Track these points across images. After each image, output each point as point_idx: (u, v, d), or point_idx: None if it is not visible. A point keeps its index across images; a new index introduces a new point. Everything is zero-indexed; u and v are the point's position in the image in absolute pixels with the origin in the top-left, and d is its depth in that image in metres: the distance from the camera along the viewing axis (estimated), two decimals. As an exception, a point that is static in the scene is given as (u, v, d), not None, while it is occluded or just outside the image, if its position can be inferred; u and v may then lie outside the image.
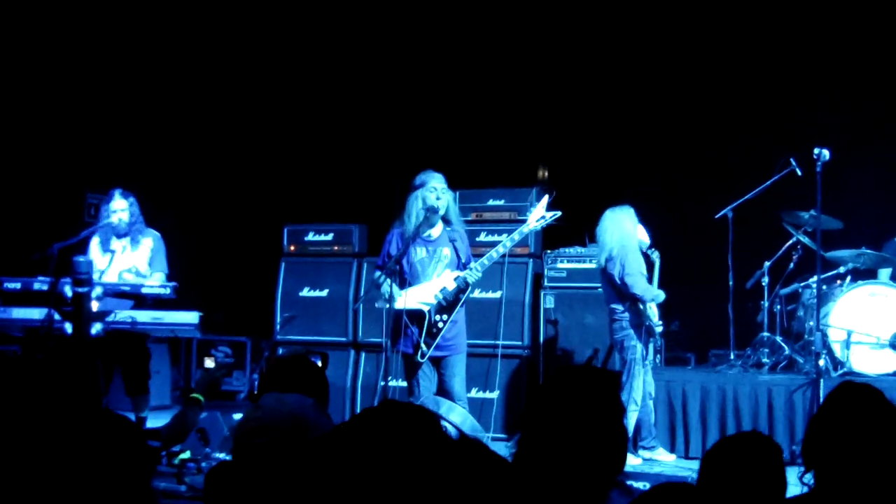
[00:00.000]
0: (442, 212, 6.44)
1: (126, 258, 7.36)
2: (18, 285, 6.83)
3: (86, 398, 3.63)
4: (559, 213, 6.65)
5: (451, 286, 6.38)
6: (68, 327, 6.43)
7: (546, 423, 2.45)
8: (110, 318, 6.70)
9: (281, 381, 3.22)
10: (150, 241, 7.42)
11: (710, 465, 2.49)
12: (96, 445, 2.74)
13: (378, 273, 6.48)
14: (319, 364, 5.20)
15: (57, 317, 6.56)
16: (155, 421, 6.57)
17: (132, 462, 2.78)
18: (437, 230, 6.53)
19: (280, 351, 8.87)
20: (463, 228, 6.72)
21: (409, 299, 6.38)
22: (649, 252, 7.30)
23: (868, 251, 7.77)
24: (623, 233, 7.06)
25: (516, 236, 6.62)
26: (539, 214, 6.64)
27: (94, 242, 7.40)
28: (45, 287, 6.74)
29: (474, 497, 1.83)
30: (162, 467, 5.79)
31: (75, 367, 3.56)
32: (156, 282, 7.09)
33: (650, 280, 7.19)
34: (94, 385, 3.62)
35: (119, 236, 7.38)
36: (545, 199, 6.69)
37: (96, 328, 6.57)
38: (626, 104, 10.06)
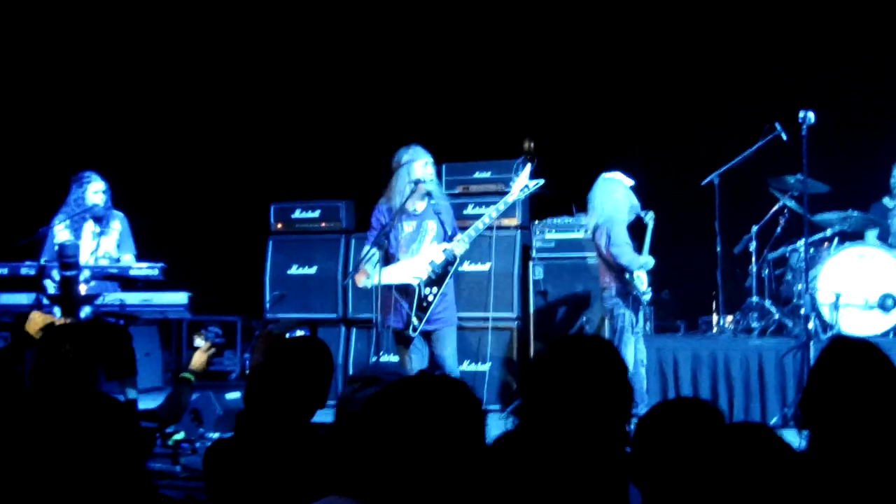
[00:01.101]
0: (430, 185, 6.44)
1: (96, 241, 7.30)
2: (6, 270, 6.82)
3: (79, 382, 3.62)
4: (542, 182, 6.66)
5: (440, 259, 6.39)
6: (57, 312, 6.42)
7: (554, 387, 2.46)
8: (99, 301, 6.69)
9: (287, 360, 3.20)
10: (118, 224, 7.38)
11: (643, 431, 2.45)
12: (90, 428, 2.73)
13: (367, 247, 6.49)
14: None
15: (45, 301, 6.55)
16: (147, 403, 6.56)
17: (127, 444, 2.78)
18: (421, 204, 6.54)
19: (269, 326, 8.86)
20: (447, 201, 6.73)
21: (397, 274, 6.39)
22: (642, 214, 7.25)
23: (855, 213, 7.77)
24: (611, 202, 7.04)
25: (501, 206, 6.64)
26: (522, 183, 6.65)
27: (62, 227, 7.29)
28: (32, 272, 6.72)
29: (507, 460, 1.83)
30: (157, 449, 5.79)
31: (68, 351, 3.55)
32: (128, 264, 7.06)
33: (640, 246, 7.17)
34: (87, 369, 3.60)
35: (95, 219, 7.32)
36: (528, 167, 6.73)
37: (85, 311, 6.56)
38: (609, 73, 10.02)
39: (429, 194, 6.51)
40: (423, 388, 2.03)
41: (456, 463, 1.91)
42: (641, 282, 7.04)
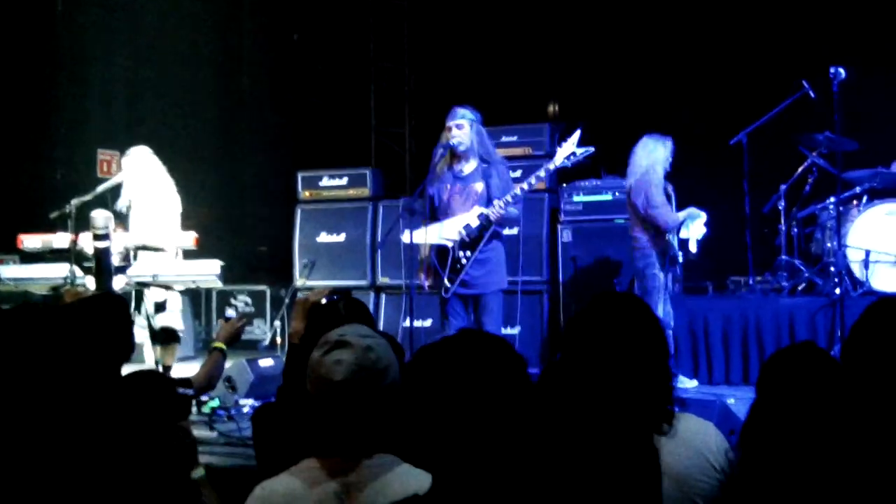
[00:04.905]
0: (463, 148, 6.36)
1: (136, 212, 7.31)
2: (39, 243, 6.88)
3: (116, 352, 3.66)
4: (592, 150, 6.37)
5: (475, 223, 6.30)
6: (90, 283, 6.48)
7: (595, 341, 2.47)
8: (132, 272, 6.75)
9: (328, 325, 3.20)
10: (151, 195, 7.35)
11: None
12: (129, 396, 2.78)
13: (407, 202, 6.51)
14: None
15: (79, 273, 6.61)
16: (180, 372, 6.63)
17: (166, 411, 2.83)
18: (469, 166, 6.44)
19: (298, 296, 8.89)
20: (502, 165, 6.52)
21: (433, 235, 6.35)
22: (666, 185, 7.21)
23: (883, 170, 7.73)
24: (650, 162, 6.98)
25: (542, 173, 6.48)
26: (569, 150, 6.37)
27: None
28: (64, 244, 6.78)
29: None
30: (193, 416, 5.85)
31: (104, 321, 3.57)
32: (170, 235, 7.08)
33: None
34: (125, 338, 3.64)
35: (139, 190, 7.31)
36: (576, 134, 6.38)
37: (118, 282, 6.62)
38: (634, 33, 9.96)
39: (483, 157, 6.41)
40: (461, 346, 2.00)
41: (498, 420, 1.91)
42: (675, 242, 7.03)
